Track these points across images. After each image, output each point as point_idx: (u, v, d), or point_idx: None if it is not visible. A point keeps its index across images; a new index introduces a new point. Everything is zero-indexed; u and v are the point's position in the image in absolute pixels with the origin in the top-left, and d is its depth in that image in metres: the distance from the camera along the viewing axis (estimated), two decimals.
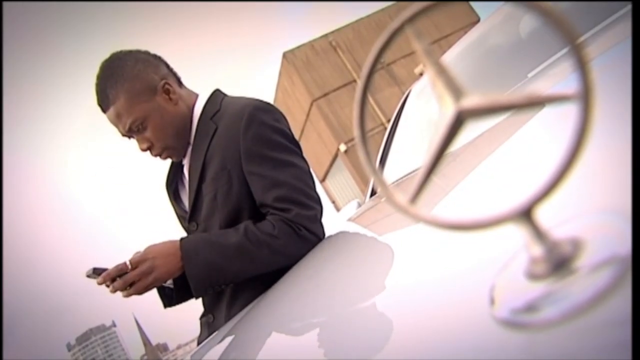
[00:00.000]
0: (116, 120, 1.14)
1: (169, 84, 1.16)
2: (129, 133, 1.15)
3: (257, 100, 1.16)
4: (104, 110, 1.15)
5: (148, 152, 1.17)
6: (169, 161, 1.29)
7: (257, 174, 1.08)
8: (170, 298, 1.20)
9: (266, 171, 1.08)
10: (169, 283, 1.16)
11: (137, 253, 1.06)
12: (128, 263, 1.02)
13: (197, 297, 1.13)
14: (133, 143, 1.18)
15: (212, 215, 1.13)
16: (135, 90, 1.12)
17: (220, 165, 1.11)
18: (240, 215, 1.11)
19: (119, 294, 1.05)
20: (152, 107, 1.13)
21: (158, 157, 1.19)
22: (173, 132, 1.16)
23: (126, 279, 1.01)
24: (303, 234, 1.05)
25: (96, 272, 1.02)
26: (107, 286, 1.03)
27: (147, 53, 1.20)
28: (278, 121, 1.14)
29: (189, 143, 1.20)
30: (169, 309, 1.22)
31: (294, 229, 1.05)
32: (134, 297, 1.04)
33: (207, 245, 1.06)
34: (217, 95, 1.22)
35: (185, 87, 1.23)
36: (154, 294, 1.16)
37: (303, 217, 1.06)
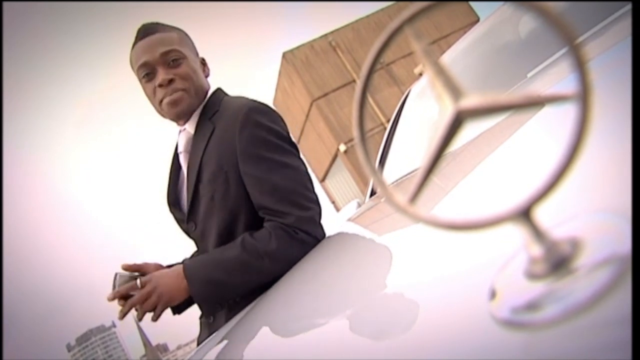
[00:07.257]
0: (155, 45, 1.15)
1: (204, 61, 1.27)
2: (161, 58, 1.14)
3: (253, 101, 1.16)
4: (145, 35, 1.16)
5: (161, 90, 1.15)
6: (168, 159, 1.28)
7: (252, 175, 1.08)
8: (178, 305, 1.20)
9: (262, 173, 1.07)
10: None
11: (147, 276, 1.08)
12: (138, 282, 1.04)
13: (207, 316, 1.14)
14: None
15: (210, 216, 1.13)
16: (187, 40, 1.22)
17: (217, 166, 1.11)
18: (238, 216, 1.11)
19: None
20: (193, 59, 1.21)
21: (168, 99, 1.16)
22: (196, 87, 1.19)
23: (132, 300, 1.03)
24: (300, 236, 1.05)
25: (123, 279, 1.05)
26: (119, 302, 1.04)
27: None
28: (274, 122, 1.13)
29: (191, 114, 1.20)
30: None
31: (290, 233, 1.05)
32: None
33: (207, 264, 1.08)
34: (217, 95, 1.23)
35: None
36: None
37: (300, 220, 1.06)
